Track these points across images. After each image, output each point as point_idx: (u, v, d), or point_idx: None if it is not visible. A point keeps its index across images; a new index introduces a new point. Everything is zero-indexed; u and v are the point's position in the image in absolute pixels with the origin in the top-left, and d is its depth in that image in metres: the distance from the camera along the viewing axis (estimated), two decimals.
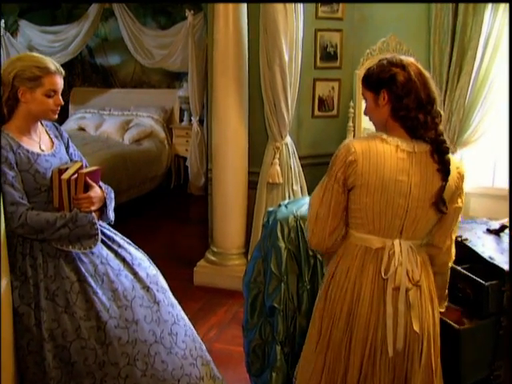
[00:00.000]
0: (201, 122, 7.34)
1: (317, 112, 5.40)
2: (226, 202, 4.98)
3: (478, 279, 2.51)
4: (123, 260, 2.87)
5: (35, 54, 2.77)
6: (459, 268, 2.64)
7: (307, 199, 3.30)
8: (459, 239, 2.81)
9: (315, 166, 5.28)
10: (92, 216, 2.68)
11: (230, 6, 4.59)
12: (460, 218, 2.43)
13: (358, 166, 2.23)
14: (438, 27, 5.17)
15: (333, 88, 5.42)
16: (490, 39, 5.03)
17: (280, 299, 3.08)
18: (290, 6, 4.51)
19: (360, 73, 4.99)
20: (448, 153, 2.26)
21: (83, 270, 2.69)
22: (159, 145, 8.09)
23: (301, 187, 5.06)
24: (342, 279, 2.38)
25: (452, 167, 2.27)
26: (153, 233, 6.52)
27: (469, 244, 2.77)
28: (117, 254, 2.87)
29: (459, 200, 2.36)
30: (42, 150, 2.71)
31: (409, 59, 2.29)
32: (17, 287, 2.61)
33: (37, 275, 2.62)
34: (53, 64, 2.65)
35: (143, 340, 2.71)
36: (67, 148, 2.88)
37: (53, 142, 2.80)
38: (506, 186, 5.37)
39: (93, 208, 2.71)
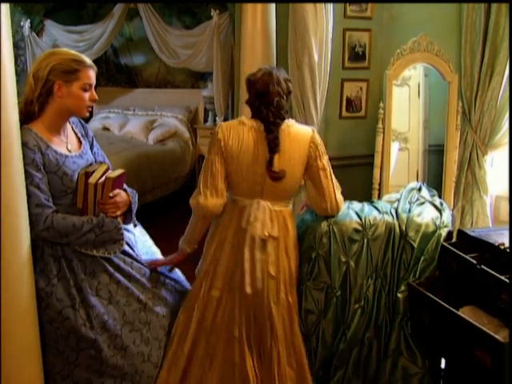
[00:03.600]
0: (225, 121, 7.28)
1: (344, 113, 5.32)
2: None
3: None
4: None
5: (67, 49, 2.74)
6: (502, 278, 2.55)
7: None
8: (502, 247, 2.72)
9: (343, 168, 5.18)
10: (118, 221, 2.68)
11: (259, 5, 4.52)
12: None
13: (223, 142, 2.84)
14: (470, 27, 5.08)
15: (361, 89, 5.34)
16: None
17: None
18: (320, 4, 4.43)
19: (390, 73, 4.90)
20: (272, 132, 2.81)
21: (116, 261, 2.77)
22: (183, 145, 8.03)
23: None
24: (213, 232, 3.03)
25: (300, 137, 2.89)
26: (177, 235, 6.44)
27: None
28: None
29: (319, 162, 2.93)
30: (70, 151, 2.67)
31: (266, 69, 3.00)
32: (52, 293, 2.59)
33: (76, 275, 2.62)
34: (87, 58, 2.65)
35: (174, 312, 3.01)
36: (91, 147, 2.85)
37: (80, 142, 2.76)
38: None
39: (118, 213, 2.70)
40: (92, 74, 2.62)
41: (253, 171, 2.84)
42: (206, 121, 8.17)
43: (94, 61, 8.01)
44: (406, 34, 5.05)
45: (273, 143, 2.81)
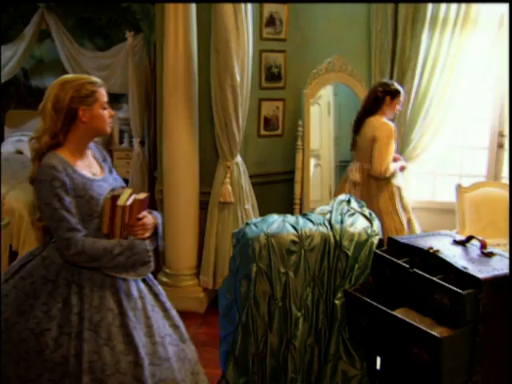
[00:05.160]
0: (142, 143, 7.26)
1: (262, 131, 5.47)
2: (177, 222, 4.94)
3: (456, 289, 2.62)
4: (156, 295, 2.82)
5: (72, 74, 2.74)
6: (435, 279, 2.74)
7: (276, 217, 3.38)
8: (431, 251, 2.93)
9: (262, 185, 5.37)
10: (146, 243, 2.64)
11: (180, 25, 4.61)
12: None
13: None
14: (379, 48, 5.40)
15: (277, 107, 5.51)
16: (428, 59, 5.27)
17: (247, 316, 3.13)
18: (242, 26, 4.58)
19: (308, 92, 5.11)
20: None
21: (125, 303, 2.61)
22: None
23: (252, 206, 5.10)
24: None
25: None
26: None
27: (441, 255, 2.88)
28: (150, 289, 2.81)
29: None
30: (94, 175, 2.66)
31: None
32: (56, 317, 2.49)
33: (82, 304, 2.52)
34: (95, 77, 2.66)
35: (173, 378, 2.64)
36: (110, 171, 2.83)
37: (101, 167, 2.75)
38: (447, 199, 5.62)
39: (146, 235, 2.66)
40: (105, 92, 2.63)
41: None
42: (121, 142, 8.12)
43: (4, 83, 7.74)
44: (320, 55, 5.30)
45: None
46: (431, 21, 5.21)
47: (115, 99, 7.70)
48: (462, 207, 5.00)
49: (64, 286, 2.54)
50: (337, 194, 4.74)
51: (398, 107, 4.83)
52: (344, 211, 3.40)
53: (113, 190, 2.67)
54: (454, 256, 2.89)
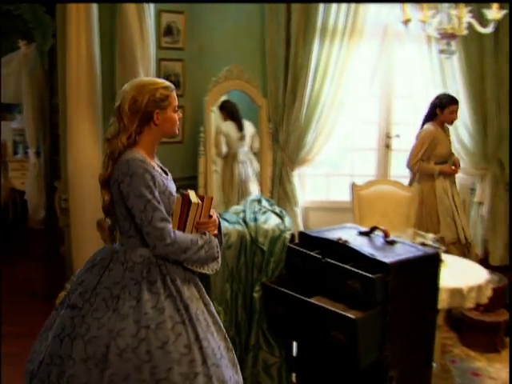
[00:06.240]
0: (37, 154, 7.15)
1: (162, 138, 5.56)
2: (85, 230, 4.92)
3: (366, 274, 2.89)
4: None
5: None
6: (347, 266, 3.01)
7: None
8: (340, 241, 3.20)
9: None
10: (216, 239, 2.73)
11: (83, 34, 4.61)
12: None
13: None
14: (273, 57, 5.63)
15: None
16: (319, 66, 5.58)
17: None
18: (147, 35, 4.70)
19: (208, 99, 5.29)
20: None
21: (203, 294, 2.74)
22: None
23: None
24: None
25: None
26: None
27: (350, 245, 3.15)
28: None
29: None
30: (164, 174, 2.70)
31: None
32: (164, 308, 2.51)
33: (180, 295, 2.57)
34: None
35: None
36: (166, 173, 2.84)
37: (161, 167, 2.76)
38: (340, 198, 5.96)
39: (216, 231, 2.75)
40: (176, 95, 2.67)
41: None
42: (15, 153, 7.94)
43: None
44: (218, 63, 5.48)
45: None
46: (321, 31, 5.50)
47: (7, 109, 7.55)
48: (357, 203, 5.34)
49: (159, 281, 2.56)
50: None
51: (454, 116, 5.22)
52: (256, 210, 3.61)
53: (178, 189, 2.74)
54: (362, 245, 3.19)
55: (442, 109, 5.17)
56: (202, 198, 2.72)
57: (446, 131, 5.37)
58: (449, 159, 5.34)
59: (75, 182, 4.92)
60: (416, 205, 5.18)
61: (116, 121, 2.59)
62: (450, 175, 5.32)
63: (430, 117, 5.26)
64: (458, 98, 5.29)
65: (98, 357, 2.43)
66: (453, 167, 5.30)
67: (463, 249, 5.20)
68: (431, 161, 5.23)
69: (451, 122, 5.31)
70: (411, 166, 5.28)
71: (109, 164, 2.59)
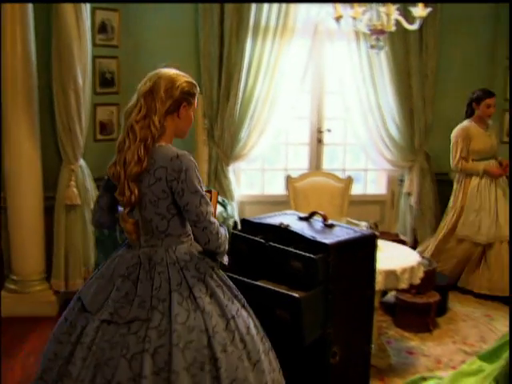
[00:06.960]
0: None
1: (98, 136, 5.60)
2: (22, 229, 4.93)
3: (309, 255, 3.04)
4: None
5: None
6: (290, 249, 3.15)
7: None
8: (282, 226, 3.34)
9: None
10: None
11: (18, 29, 4.59)
12: None
13: None
14: (207, 54, 5.73)
15: (112, 112, 5.67)
16: (253, 64, 5.72)
17: None
18: (84, 32, 4.73)
19: None
20: None
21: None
22: None
23: None
24: None
25: None
26: None
27: (291, 229, 3.30)
28: None
29: None
30: None
31: None
32: (229, 297, 2.60)
33: (226, 283, 2.67)
34: None
35: None
36: None
37: None
38: (275, 192, 6.12)
39: None
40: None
41: None
42: None
43: None
44: (152, 61, 5.41)
45: None
46: (254, 29, 5.65)
47: None
48: (293, 195, 5.52)
49: (212, 273, 2.62)
50: None
51: (490, 110, 5.36)
52: None
53: None
54: (302, 229, 3.35)
55: (477, 103, 5.36)
56: (209, 192, 2.73)
57: (487, 127, 5.51)
58: (491, 156, 5.49)
59: (12, 181, 4.90)
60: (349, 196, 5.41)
61: (144, 103, 2.52)
62: (495, 176, 5.43)
63: (469, 113, 5.45)
64: (492, 92, 5.42)
65: (200, 360, 2.39)
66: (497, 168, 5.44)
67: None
68: (469, 157, 5.41)
69: (488, 116, 5.46)
70: (454, 166, 5.46)
71: (143, 152, 2.47)
